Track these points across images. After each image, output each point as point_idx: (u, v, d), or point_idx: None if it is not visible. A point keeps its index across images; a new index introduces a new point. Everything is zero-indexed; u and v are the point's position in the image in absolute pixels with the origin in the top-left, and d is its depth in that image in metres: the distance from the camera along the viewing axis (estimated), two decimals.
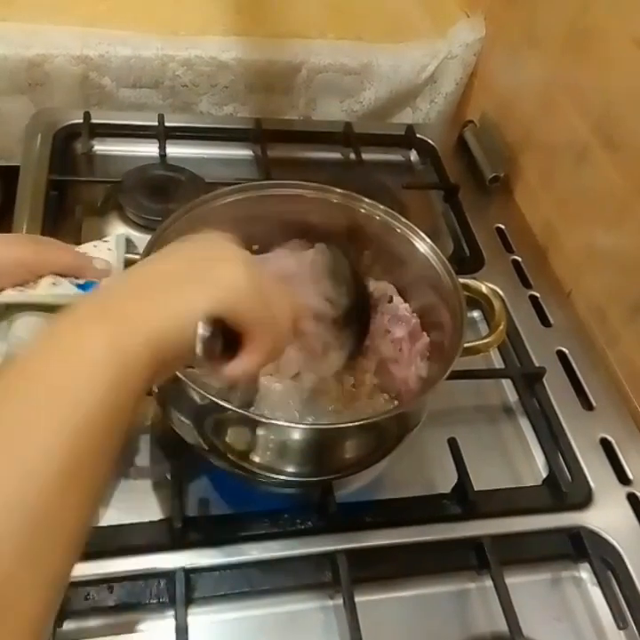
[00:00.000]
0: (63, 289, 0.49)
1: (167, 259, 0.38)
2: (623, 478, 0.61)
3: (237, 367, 0.38)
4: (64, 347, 0.32)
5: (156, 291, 0.35)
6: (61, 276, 0.50)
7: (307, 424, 0.50)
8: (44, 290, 0.48)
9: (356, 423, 0.48)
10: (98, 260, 0.52)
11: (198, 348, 0.34)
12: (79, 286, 0.49)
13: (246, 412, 0.46)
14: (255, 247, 0.61)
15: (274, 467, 0.50)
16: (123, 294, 0.35)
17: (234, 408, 0.46)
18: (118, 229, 0.74)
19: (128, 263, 0.54)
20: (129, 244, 0.56)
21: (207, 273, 0.36)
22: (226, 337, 0.37)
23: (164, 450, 0.56)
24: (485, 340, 0.55)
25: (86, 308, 0.34)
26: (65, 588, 0.30)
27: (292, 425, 0.48)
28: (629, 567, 0.55)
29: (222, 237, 0.40)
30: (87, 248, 0.54)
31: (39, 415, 0.29)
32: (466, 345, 0.51)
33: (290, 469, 0.51)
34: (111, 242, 0.55)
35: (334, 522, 0.53)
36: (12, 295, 0.48)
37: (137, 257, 0.54)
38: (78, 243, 0.57)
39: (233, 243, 0.39)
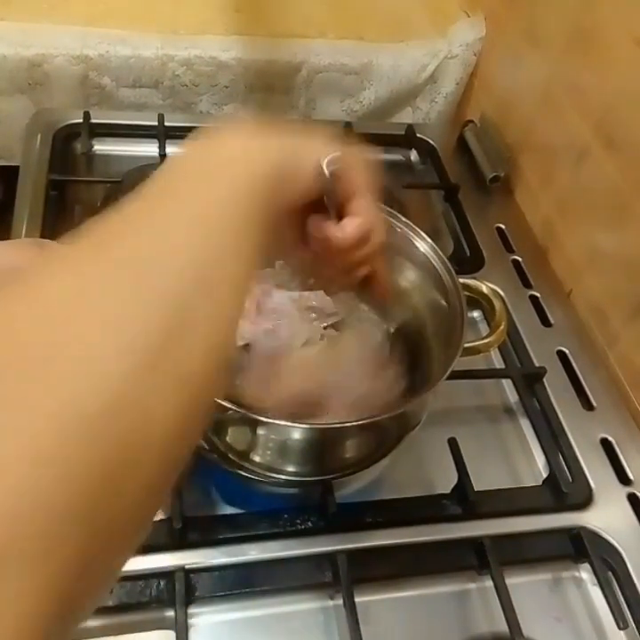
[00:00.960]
0: None
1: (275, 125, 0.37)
2: (623, 478, 0.60)
3: (355, 220, 0.38)
4: (209, 144, 0.32)
5: (281, 133, 0.35)
6: None
7: (307, 424, 0.50)
8: None
9: (356, 423, 0.48)
10: None
11: (326, 172, 0.35)
12: None
13: (246, 412, 0.46)
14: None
15: (274, 466, 0.50)
16: (266, 125, 0.34)
17: (234, 408, 0.46)
18: None
19: None
20: None
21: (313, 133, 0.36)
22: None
23: None
24: (486, 341, 0.55)
25: (228, 126, 0.33)
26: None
27: (292, 424, 0.48)
28: (630, 567, 0.55)
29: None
30: None
31: (177, 206, 0.28)
32: (466, 345, 0.51)
33: (290, 469, 0.51)
34: None
35: (334, 522, 0.53)
36: None
37: None
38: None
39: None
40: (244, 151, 0.32)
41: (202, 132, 0.32)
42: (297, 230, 0.40)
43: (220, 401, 0.45)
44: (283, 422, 0.48)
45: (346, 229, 0.39)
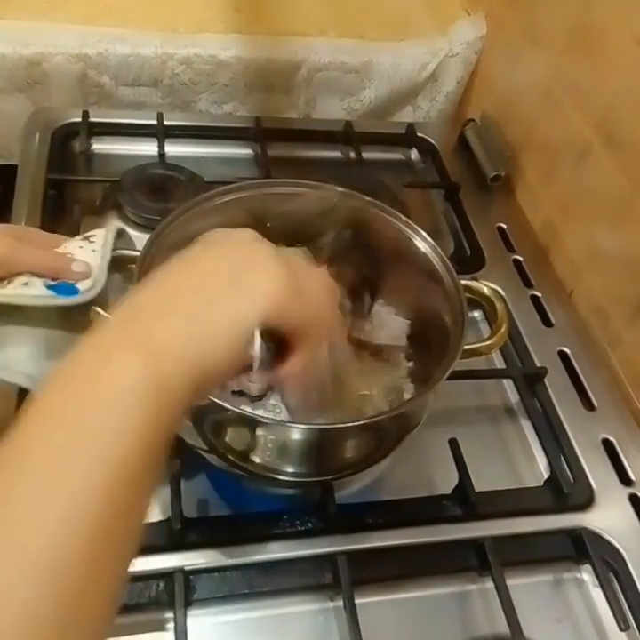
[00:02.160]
0: (34, 290, 0.47)
1: (194, 267, 0.35)
2: (625, 479, 0.60)
3: (294, 368, 0.38)
4: (92, 380, 0.28)
5: (191, 306, 0.32)
6: (38, 275, 0.47)
7: (306, 424, 0.50)
8: (14, 289, 0.46)
9: (356, 423, 0.48)
10: (77, 263, 0.49)
11: (256, 363, 0.34)
12: (52, 288, 0.47)
13: (246, 412, 0.46)
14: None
15: (273, 467, 0.50)
16: (153, 313, 0.32)
17: (234, 408, 0.45)
18: None
19: (118, 261, 0.51)
20: (121, 239, 0.53)
21: (243, 280, 0.34)
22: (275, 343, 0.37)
23: None
24: (487, 343, 0.55)
25: (113, 334, 0.31)
26: None
27: (292, 425, 0.48)
28: (631, 568, 0.54)
29: (245, 234, 0.38)
30: (72, 247, 0.51)
31: (68, 461, 0.26)
32: (467, 347, 0.50)
33: (289, 469, 0.51)
34: (98, 242, 0.51)
35: (334, 523, 0.53)
36: None
37: (129, 253, 0.52)
38: (73, 235, 0.55)
39: (255, 237, 0.38)
40: (150, 381, 0.29)
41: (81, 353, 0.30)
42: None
43: (219, 401, 0.45)
44: (282, 422, 0.47)
45: (284, 376, 0.38)
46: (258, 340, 0.33)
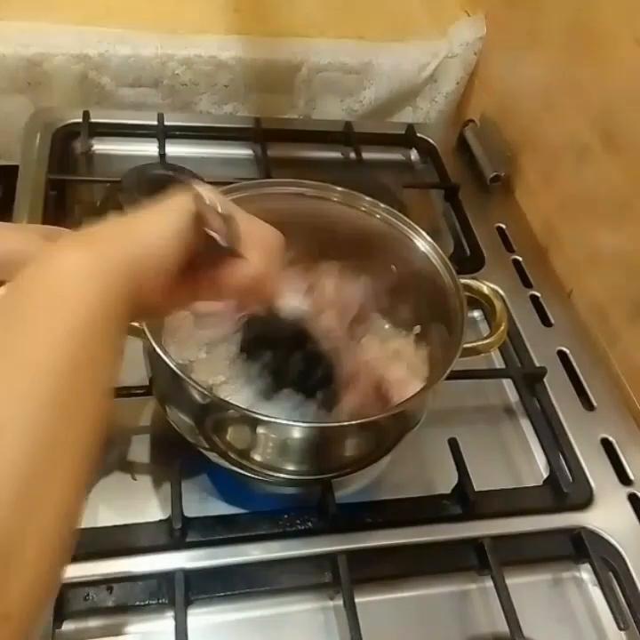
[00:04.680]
0: None
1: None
2: (624, 479, 0.60)
3: (245, 270, 0.38)
4: (47, 266, 0.31)
5: (138, 216, 0.35)
6: None
7: (307, 422, 0.50)
8: None
9: (356, 422, 0.48)
10: None
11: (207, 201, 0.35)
12: None
13: (247, 411, 0.46)
14: None
15: (274, 465, 0.50)
16: (103, 225, 0.35)
17: (235, 406, 0.46)
18: None
19: None
20: None
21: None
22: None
23: (164, 449, 0.56)
24: (486, 341, 0.55)
25: (66, 239, 0.34)
26: (74, 531, 0.28)
27: (293, 423, 0.48)
28: (630, 568, 0.54)
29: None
30: None
31: (28, 329, 0.29)
32: (466, 345, 0.51)
33: (290, 468, 0.51)
34: None
35: (334, 522, 0.53)
36: None
37: None
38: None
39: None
40: (95, 263, 0.31)
41: (38, 258, 0.32)
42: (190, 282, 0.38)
43: (219, 400, 0.45)
44: (282, 421, 0.48)
45: (236, 274, 0.38)
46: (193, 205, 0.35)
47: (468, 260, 0.77)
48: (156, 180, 0.77)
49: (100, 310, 0.30)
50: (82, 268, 0.31)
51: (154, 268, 0.34)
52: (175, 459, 0.53)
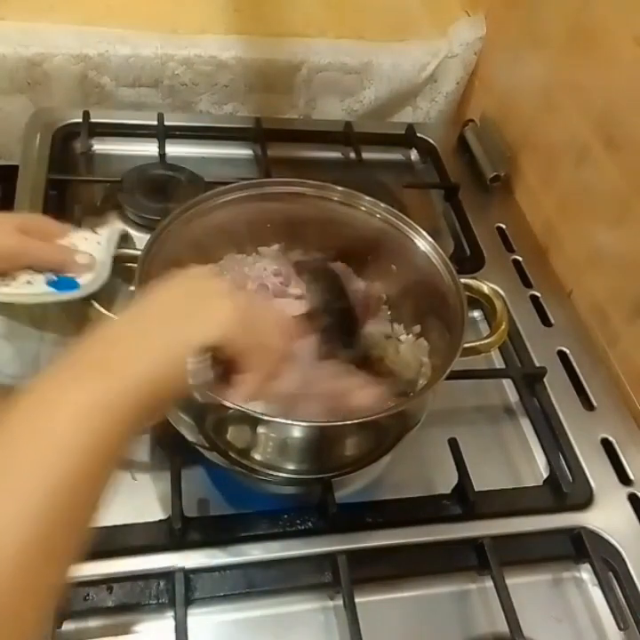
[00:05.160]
0: (36, 288, 0.47)
1: (154, 298, 0.39)
2: (624, 478, 0.60)
3: (238, 393, 0.40)
4: (45, 402, 0.32)
5: (143, 335, 0.36)
6: (41, 269, 0.48)
7: (307, 421, 0.50)
8: (17, 288, 0.47)
9: (356, 421, 0.48)
10: (81, 255, 0.50)
11: (190, 380, 0.36)
12: (53, 284, 0.48)
13: (247, 410, 0.46)
14: (275, 246, 0.61)
15: (274, 464, 0.50)
16: (106, 343, 0.35)
17: (235, 406, 0.46)
18: None
19: (119, 259, 0.52)
20: (125, 239, 0.54)
21: (193, 310, 0.37)
22: (226, 366, 0.39)
23: (165, 449, 0.56)
24: (486, 341, 0.55)
25: (68, 365, 0.34)
26: None
27: (293, 422, 0.48)
28: (630, 568, 0.54)
29: (206, 272, 0.41)
30: (77, 239, 0.51)
31: (21, 467, 0.29)
32: (466, 345, 0.51)
33: (290, 467, 0.51)
34: (103, 236, 0.52)
35: (334, 522, 0.53)
36: None
37: (131, 252, 0.53)
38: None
39: (216, 275, 0.41)
40: (94, 401, 0.32)
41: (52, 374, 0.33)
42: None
43: (219, 400, 0.45)
44: (283, 420, 0.48)
45: (231, 400, 0.41)
46: (190, 365, 0.36)
47: (468, 259, 0.77)
48: (156, 180, 0.77)
49: (94, 455, 0.31)
50: (83, 407, 0.31)
51: (165, 388, 0.35)
52: (175, 459, 0.53)
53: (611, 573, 0.54)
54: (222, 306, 0.38)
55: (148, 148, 0.81)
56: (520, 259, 0.78)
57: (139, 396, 0.33)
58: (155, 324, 0.36)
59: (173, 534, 0.50)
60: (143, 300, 0.39)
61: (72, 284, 0.48)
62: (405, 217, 0.59)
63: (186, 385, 0.36)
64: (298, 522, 0.53)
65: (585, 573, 0.55)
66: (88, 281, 0.48)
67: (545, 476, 0.60)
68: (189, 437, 0.52)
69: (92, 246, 0.51)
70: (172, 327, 0.36)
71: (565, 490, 0.57)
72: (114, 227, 0.54)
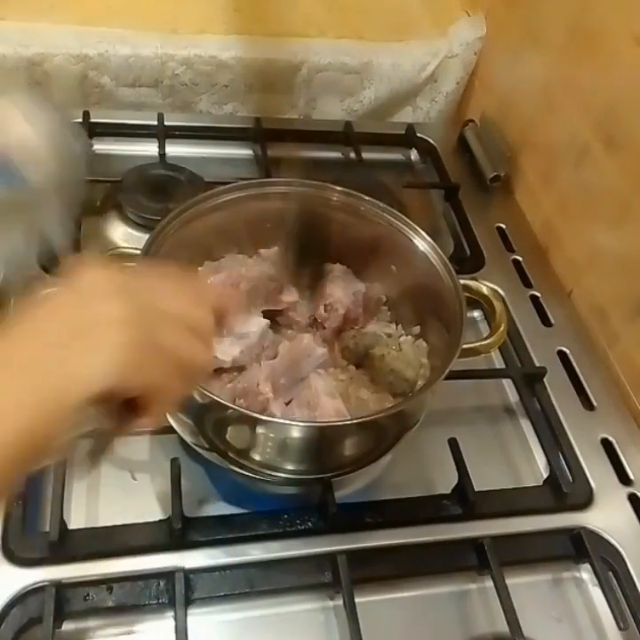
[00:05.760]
0: None
1: (27, 333, 0.32)
2: (624, 478, 0.60)
3: (143, 425, 0.36)
4: None
5: (19, 379, 0.31)
6: None
7: (306, 422, 0.50)
8: None
9: (355, 421, 0.48)
10: None
11: (74, 432, 0.32)
12: None
13: (246, 411, 0.46)
14: (275, 248, 0.61)
15: (273, 464, 0.50)
16: None
17: (235, 406, 0.46)
18: (118, 229, 0.74)
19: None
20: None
21: (76, 349, 0.31)
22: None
23: (164, 449, 0.56)
24: (486, 342, 0.55)
25: None
26: None
27: (292, 423, 0.48)
28: (630, 568, 0.54)
29: (98, 278, 0.34)
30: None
31: None
32: (466, 346, 0.51)
33: (289, 467, 0.51)
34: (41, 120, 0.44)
35: (334, 522, 0.53)
36: None
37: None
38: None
39: (109, 279, 0.34)
40: None
41: None
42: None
43: (220, 400, 0.45)
44: (282, 420, 0.48)
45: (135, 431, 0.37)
46: (89, 415, 0.32)
47: (468, 259, 0.77)
48: (156, 180, 0.77)
49: None
50: None
51: (59, 429, 0.31)
52: (175, 459, 0.53)
53: (611, 573, 0.54)
54: (109, 342, 0.31)
55: (148, 148, 0.81)
56: (520, 259, 0.78)
57: (16, 448, 0.30)
58: (32, 365, 0.31)
59: (173, 534, 0.50)
60: (19, 326, 0.32)
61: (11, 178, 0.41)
62: (405, 217, 0.59)
63: (66, 430, 0.31)
64: (298, 522, 0.53)
65: (585, 573, 0.55)
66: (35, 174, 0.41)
67: (545, 476, 0.60)
68: (188, 439, 0.52)
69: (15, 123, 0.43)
70: (51, 370, 0.31)
71: (565, 490, 0.57)
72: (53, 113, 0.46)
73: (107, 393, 0.31)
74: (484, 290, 0.58)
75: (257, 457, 0.50)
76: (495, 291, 0.58)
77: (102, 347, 0.31)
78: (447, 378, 0.49)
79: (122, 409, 0.34)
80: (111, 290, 0.33)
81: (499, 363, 0.68)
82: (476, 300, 0.58)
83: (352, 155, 0.87)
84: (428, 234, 0.57)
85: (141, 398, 0.34)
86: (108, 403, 0.33)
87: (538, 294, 0.74)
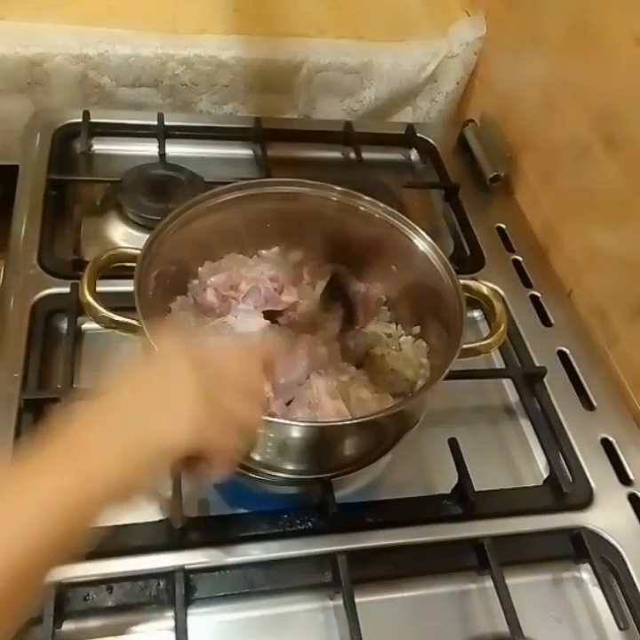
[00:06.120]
0: None
1: (116, 395, 0.39)
2: (624, 478, 0.60)
3: (212, 477, 0.42)
4: (19, 489, 0.33)
5: (110, 432, 0.37)
6: None
7: (306, 422, 0.50)
8: None
9: (355, 421, 0.48)
10: None
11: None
12: None
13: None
14: (275, 248, 0.61)
15: (274, 464, 0.50)
16: (75, 437, 0.36)
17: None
18: (118, 229, 0.74)
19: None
20: None
21: (158, 406, 0.38)
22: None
23: None
24: (486, 342, 0.55)
25: (47, 453, 0.35)
26: None
27: (292, 423, 0.48)
28: (630, 568, 0.54)
29: (172, 354, 0.41)
30: None
31: None
32: (466, 346, 0.51)
33: (289, 467, 0.51)
34: None
35: (334, 522, 0.53)
36: None
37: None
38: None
39: (182, 355, 0.40)
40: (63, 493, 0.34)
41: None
42: None
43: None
44: (282, 420, 0.48)
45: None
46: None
47: (468, 259, 0.77)
48: (155, 180, 0.77)
49: (53, 543, 0.33)
50: (51, 495, 0.33)
51: (137, 484, 0.38)
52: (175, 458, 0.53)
53: (610, 573, 0.54)
54: (185, 398, 0.38)
55: (148, 148, 0.81)
56: (520, 259, 0.78)
57: (104, 492, 0.35)
58: (120, 421, 0.37)
59: (173, 534, 0.51)
60: (110, 390, 0.39)
61: None
62: (405, 217, 0.59)
63: (146, 483, 0.39)
64: (298, 522, 0.53)
65: (585, 573, 0.55)
66: None
67: (545, 476, 0.60)
68: None
69: None
70: (137, 426, 0.37)
71: (565, 490, 0.57)
72: None
73: (182, 449, 0.38)
74: (484, 290, 0.58)
75: (257, 457, 0.50)
76: (495, 291, 0.58)
77: (180, 417, 0.38)
78: (447, 378, 0.49)
79: (190, 461, 0.40)
80: (184, 369, 0.40)
81: (499, 363, 0.68)
82: (476, 300, 0.58)
83: (352, 155, 0.87)
84: (428, 234, 0.57)
85: (207, 453, 0.40)
86: (181, 455, 0.39)
87: (538, 294, 0.74)
